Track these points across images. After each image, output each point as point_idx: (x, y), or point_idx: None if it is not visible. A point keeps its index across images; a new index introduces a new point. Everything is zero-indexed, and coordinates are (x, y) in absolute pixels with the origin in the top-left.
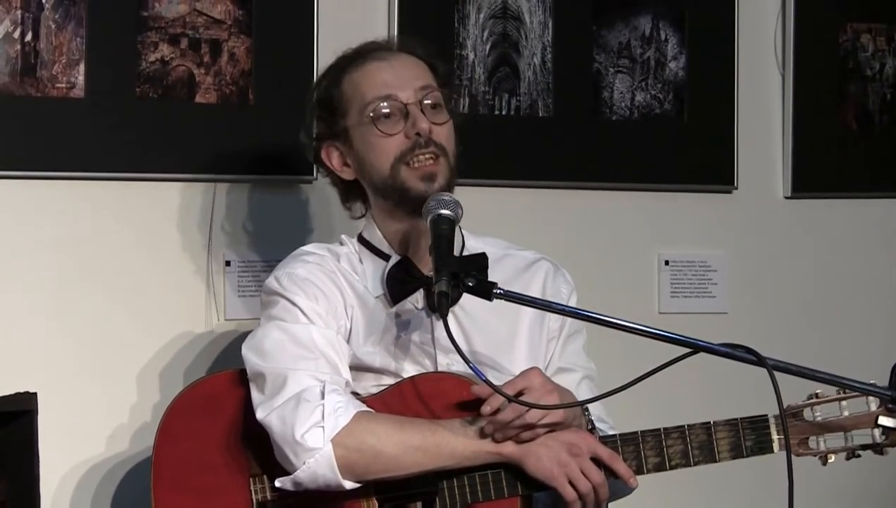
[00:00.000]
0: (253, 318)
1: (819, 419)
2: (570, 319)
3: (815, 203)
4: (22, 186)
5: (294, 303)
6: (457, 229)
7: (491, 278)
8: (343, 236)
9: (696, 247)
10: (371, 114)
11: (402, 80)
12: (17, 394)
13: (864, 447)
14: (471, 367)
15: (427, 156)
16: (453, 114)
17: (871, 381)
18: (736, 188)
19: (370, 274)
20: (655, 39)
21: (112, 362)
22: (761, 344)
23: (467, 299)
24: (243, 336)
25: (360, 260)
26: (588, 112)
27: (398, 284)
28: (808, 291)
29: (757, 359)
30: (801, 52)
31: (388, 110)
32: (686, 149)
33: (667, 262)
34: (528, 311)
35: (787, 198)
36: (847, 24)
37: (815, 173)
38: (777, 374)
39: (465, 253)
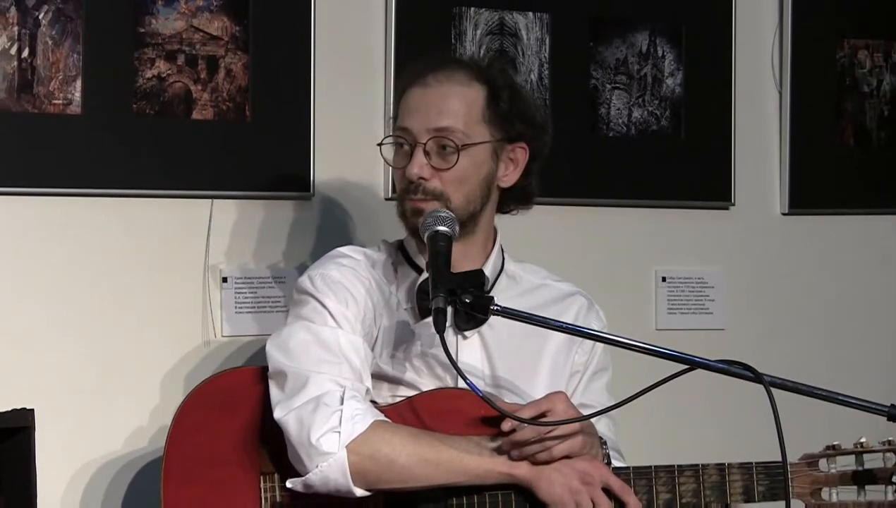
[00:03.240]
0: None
1: (834, 470)
2: (597, 356)
3: (813, 219)
4: (18, 203)
5: (324, 305)
6: (497, 249)
7: (523, 305)
8: (382, 242)
9: (693, 263)
10: (391, 141)
11: (424, 115)
12: (14, 411)
13: (876, 503)
14: (467, 383)
15: (417, 198)
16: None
17: (869, 398)
18: (733, 204)
19: (403, 285)
20: (652, 56)
21: (110, 378)
22: (758, 361)
23: (497, 321)
24: (241, 352)
25: (396, 270)
26: (585, 128)
27: (427, 299)
28: (806, 307)
29: (754, 376)
30: (799, 69)
31: (401, 143)
32: (683, 165)
33: (664, 279)
34: (557, 340)
35: (784, 214)
36: (844, 41)
37: (813, 189)
38: (774, 390)
39: (504, 276)
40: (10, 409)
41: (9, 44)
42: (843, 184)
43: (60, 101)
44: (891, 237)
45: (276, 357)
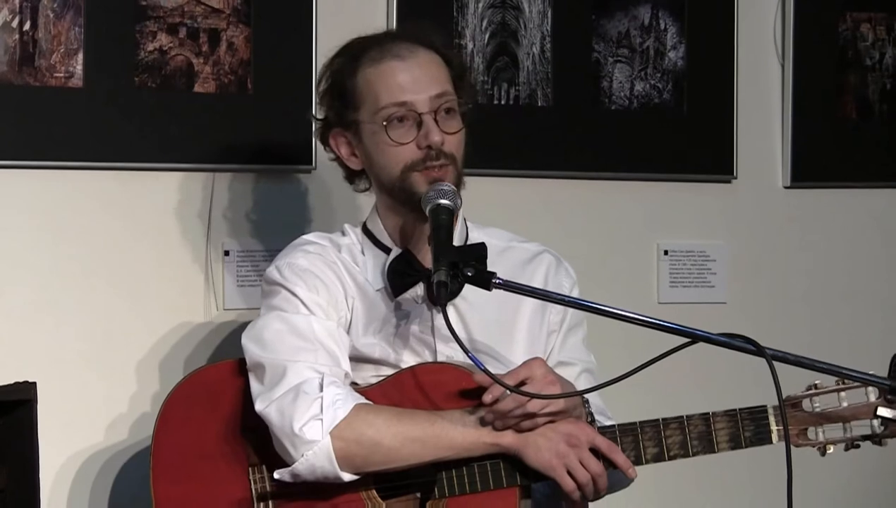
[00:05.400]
0: (252, 308)
1: (818, 409)
2: (570, 312)
3: (815, 193)
4: (20, 176)
5: (294, 294)
6: (461, 220)
7: (493, 270)
8: (346, 226)
9: (695, 236)
10: (384, 121)
11: (419, 85)
12: (17, 384)
13: (863, 438)
14: (470, 357)
15: (437, 165)
16: (466, 109)
17: (870, 371)
18: (735, 178)
19: (371, 266)
20: (655, 29)
21: (111, 352)
22: (760, 334)
23: (468, 289)
24: (242, 326)
25: (362, 252)
26: (587, 102)
27: (399, 277)
28: (807, 281)
29: (756, 349)
30: (801, 42)
31: (401, 118)
32: (685, 138)
33: (666, 252)
34: (529, 303)
35: (786, 187)
36: (847, 14)
37: (815, 163)
38: (776, 364)
39: (469, 244)
40: (11, 382)
41: (10, 16)
42: (845, 157)
43: (62, 74)
44: (893, 210)
45: (252, 349)
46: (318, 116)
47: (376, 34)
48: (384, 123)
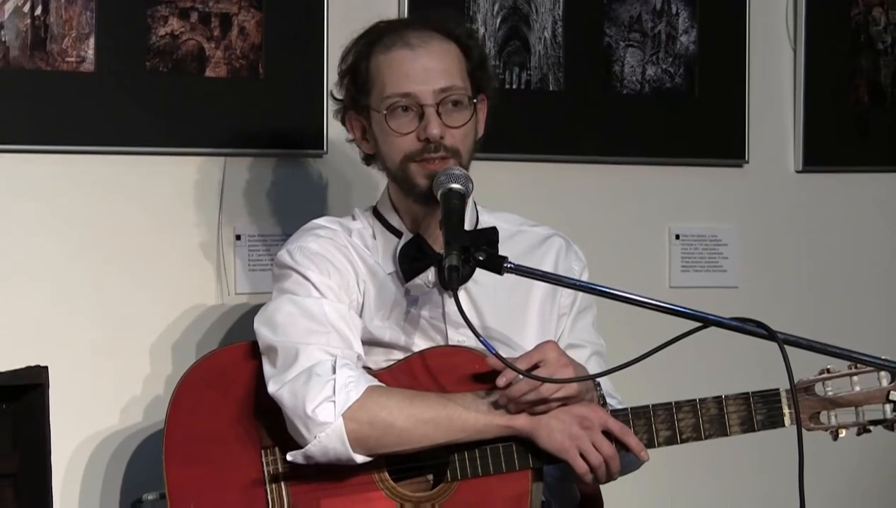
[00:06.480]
0: (263, 292)
1: (830, 394)
2: (580, 295)
3: (827, 177)
4: (31, 161)
5: (306, 277)
6: (471, 204)
7: (503, 254)
8: (356, 210)
9: (706, 221)
10: (386, 109)
11: (426, 76)
12: (29, 368)
13: (875, 422)
14: (482, 342)
15: (436, 158)
16: (487, 95)
17: (883, 356)
18: (747, 162)
19: (382, 250)
20: (666, 13)
21: (123, 336)
22: (772, 318)
23: (479, 273)
24: (254, 310)
25: (374, 236)
26: (599, 86)
27: (410, 262)
28: (819, 265)
29: (768, 333)
30: (813, 26)
31: (405, 108)
32: (697, 122)
33: (678, 236)
34: (540, 286)
35: (798, 172)
36: None
37: (827, 147)
38: (788, 348)
39: (479, 228)
40: (24, 366)
41: (22, 1)
42: (857, 141)
43: (73, 59)
44: None
45: (264, 333)
46: (338, 96)
47: (397, 19)
48: (386, 109)
